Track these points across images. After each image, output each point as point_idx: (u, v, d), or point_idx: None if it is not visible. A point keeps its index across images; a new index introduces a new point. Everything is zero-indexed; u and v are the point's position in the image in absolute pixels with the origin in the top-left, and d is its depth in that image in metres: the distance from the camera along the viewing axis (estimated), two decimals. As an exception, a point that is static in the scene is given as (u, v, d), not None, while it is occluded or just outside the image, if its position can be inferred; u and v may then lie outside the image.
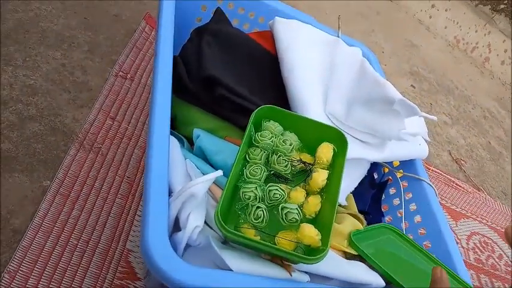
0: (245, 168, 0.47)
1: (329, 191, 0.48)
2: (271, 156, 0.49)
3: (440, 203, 1.02)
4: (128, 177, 0.66)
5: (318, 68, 0.66)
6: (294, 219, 0.44)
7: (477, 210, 1.06)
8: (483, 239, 0.99)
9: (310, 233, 0.42)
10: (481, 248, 0.97)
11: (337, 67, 0.65)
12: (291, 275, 0.45)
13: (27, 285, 0.51)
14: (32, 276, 0.52)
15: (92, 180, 0.63)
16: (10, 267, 0.51)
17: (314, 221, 0.46)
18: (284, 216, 0.44)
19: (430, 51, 1.66)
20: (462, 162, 1.20)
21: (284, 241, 0.43)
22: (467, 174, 1.17)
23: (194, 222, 0.43)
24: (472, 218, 1.03)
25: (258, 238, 0.44)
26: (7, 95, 0.66)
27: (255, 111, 0.50)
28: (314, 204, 0.45)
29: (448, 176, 1.10)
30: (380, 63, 1.40)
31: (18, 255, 0.52)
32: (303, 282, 0.47)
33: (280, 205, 0.45)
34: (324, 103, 0.63)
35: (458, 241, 0.95)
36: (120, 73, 0.79)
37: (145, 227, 0.39)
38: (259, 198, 0.45)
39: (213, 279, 0.38)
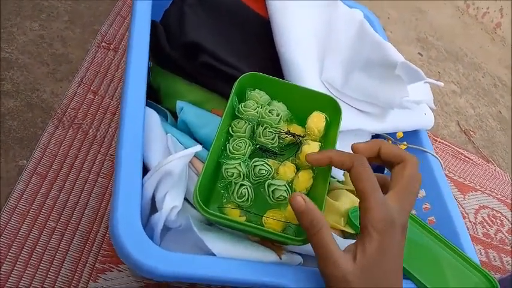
0: (228, 143, 0.43)
1: None
2: (257, 128, 0.44)
3: (447, 176, 0.98)
4: (110, 155, 0.62)
5: (314, 30, 0.60)
6: (281, 197, 0.40)
7: (486, 182, 1.01)
8: (492, 213, 0.95)
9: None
10: (489, 222, 0.92)
11: (335, 30, 0.60)
12: (281, 258, 0.42)
13: (0, 271, 0.48)
14: (6, 262, 0.48)
15: (72, 159, 0.59)
16: (-18, 252, 0.48)
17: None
18: (271, 193, 0.40)
19: (439, 17, 1.57)
20: (471, 133, 1.15)
21: (272, 221, 0.39)
22: (477, 145, 1.12)
23: (171, 203, 0.39)
24: (480, 191, 0.98)
25: (243, 219, 0.40)
26: (-21, 69, 0.62)
27: (237, 80, 0.45)
28: (305, 179, 0.41)
29: (456, 148, 1.05)
30: (386, 30, 1.33)
31: (-10, 240, 0.49)
32: (294, 264, 0.43)
33: (267, 182, 0.41)
34: (321, 69, 0.58)
35: (466, 215, 0.91)
36: (103, 44, 0.74)
37: (114, 209, 0.35)
38: (243, 175, 0.41)
39: (187, 265, 0.34)
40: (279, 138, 0.44)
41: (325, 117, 0.45)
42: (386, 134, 0.66)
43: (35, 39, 0.70)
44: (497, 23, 1.75)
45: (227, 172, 0.41)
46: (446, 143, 1.05)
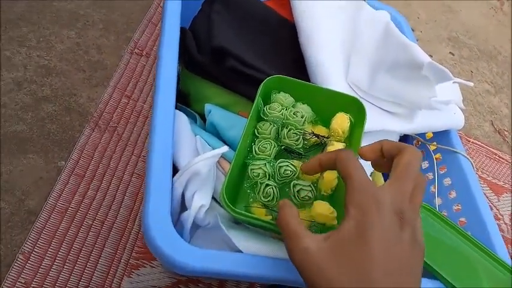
0: (254, 144, 0.44)
1: None
2: (282, 130, 0.45)
3: (480, 177, 0.96)
4: (144, 156, 0.64)
5: (339, 33, 0.60)
6: (306, 197, 0.41)
7: (522, 184, 0.98)
8: (528, 215, 0.91)
9: (323, 211, 0.38)
10: (526, 224, 0.89)
11: (360, 31, 0.60)
12: (306, 257, 0.42)
13: (41, 266, 0.51)
14: (46, 257, 0.51)
15: (107, 160, 0.62)
16: (24, 248, 0.51)
17: (330, 198, 0.43)
18: (296, 193, 0.41)
19: (471, 16, 1.53)
20: (506, 133, 1.11)
21: None
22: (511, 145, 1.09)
23: (199, 201, 0.41)
24: (516, 192, 0.95)
25: (269, 218, 0.41)
26: (21, 77, 0.66)
27: (263, 82, 0.46)
28: (330, 180, 0.41)
29: (490, 148, 1.02)
30: (416, 30, 1.31)
31: (32, 236, 0.52)
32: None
33: (292, 182, 0.41)
34: (346, 72, 0.58)
35: (501, 217, 0.88)
36: (136, 50, 0.77)
37: (146, 207, 0.37)
38: (268, 175, 0.42)
39: (215, 261, 0.36)
40: (303, 139, 0.44)
41: (349, 118, 0.45)
42: (416, 134, 0.65)
43: (72, 46, 0.73)
44: (534, 19, 1.69)
45: (253, 172, 0.42)
46: (479, 143, 1.02)
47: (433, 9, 1.44)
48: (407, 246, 0.29)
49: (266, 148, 0.43)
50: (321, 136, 0.44)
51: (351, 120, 0.45)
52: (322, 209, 0.38)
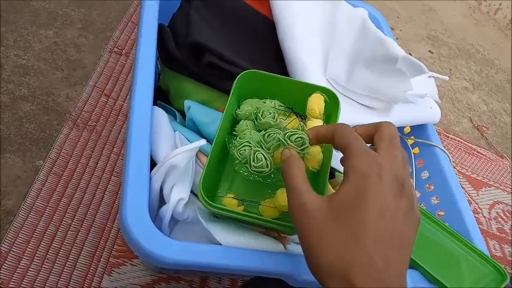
0: (234, 140, 0.44)
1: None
2: (256, 115, 0.44)
3: (459, 172, 0.98)
4: (123, 154, 0.64)
5: (318, 29, 0.61)
6: (299, 139, 0.38)
7: (500, 178, 1.00)
8: (506, 208, 0.93)
9: (285, 201, 0.38)
10: (504, 217, 0.91)
11: (338, 28, 0.61)
12: (286, 248, 0.43)
13: (19, 266, 0.50)
14: (24, 257, 0.51)
15: (86, 159, 0.61)
16: (2, 248, 0.50)
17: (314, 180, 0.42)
18: (287, 139, 0.38)
19: (449, 15, 1.57)
20: (484, 129, 1.14)
21: (268, 209, 0.40)
22: (490, 141, 1.11)
23: (178, 195, 0.41)
24: (494, 186, 0.97)
25: (241, 208, 0.41)
26: (-2, 76, 0.65)
27: (237, 77, 0.46)
28: (317, 153, 0.40)
29: (469, 144, 1.05)
30: (395, 29, 1.33)
31: (9, 236, 0.51)
32: (299, 254, 0.44)
33: (271, 134, 0.39)
34: (325, 66, 0.59)
35: (480, 211, 0.90)
36: (115, 49, 0.76)
37: (124, 200, 0.37)
38: (258, 146, 0.40)
39: (194, 253, 0.36)
40: (280, 118, 0.44)
41: (325, 98, 0.45)
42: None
43: (50, 46, 0.73)
44: (510, 19, 1.73)
45: (240, 153, 0.40)
46: (458, 139, 1.04)
47: (413, 8, 1.46)
48: (403, 216, 0.29)
49: (246, 135, 0.43)
50: (297, 114, 0.44)
51: (326, 101, 0.45)
52: (284, 198, 0.38)
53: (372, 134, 0.34)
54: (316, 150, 0.40)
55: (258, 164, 0.39)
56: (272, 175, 0.40)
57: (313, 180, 0.42)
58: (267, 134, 0.40)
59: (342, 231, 0.28)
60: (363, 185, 0.28)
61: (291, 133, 0.38)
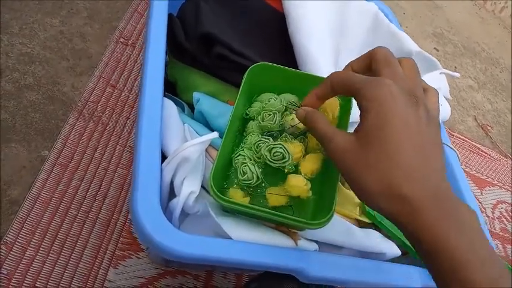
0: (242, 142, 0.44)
1: None
2: (262, 115, 0.44)
3: (464, 170, 0.97)
4: (129, 146, 0.63)
5: (328, 22, 0.60)
6: (278, 153, 0.39)
7: (504, 177, 1.00)
8: (510, 208, 0.93)
9: (297, 183, 0.38)
10: (507, 217, 0.91)
11: (349, 21, 0.60)
12: (297, 244, 0.42)
13: (24, 256, 0.49)
14: (29, 248, 0.50)
15: (92, 150, 0.61)
16: (7, 238, 0.50)
17: (319, 183, 0.42)
18: (269, 154, 0.40)
19: (455, 13, 1.56)
20: (488, 128, 1.13)
21: (274, 196, 0.40)
22: (494, 140, 1.10)
23: (189, 188, 0.40)
24: (498, 186, 0.97)
25: (247, 199, 0.41)
26: (3, 64, 0.64)
27: (248, 69, 0.45)
28: (311, 161, 0.41)
29: (473, 143, 1.04)
30: (401, 26, 1.32)
31: (15, 227, 0.51)
32: (310, 251, 0.44)
33: (260, 144, 0.41)
34: (335, 60, 0.58)
35: (484, 210, 0.90)
36: (121, 39, 0.75)
37: (135, 193, 0.36)
38: (248, 158, 0.41)
39: (204, 246, 0.35)
40: (280, 117, 0.43)
41: (339, 103, 0.44)
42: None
43: (56, 34, 0.72)
44: (515, 17, 1.72)
45: (235, 162, 0.42)
46: (462, 137, 1.04)
47: (418, 5, 1.45)
48: (425, 121, 0.30)
49: (248, 139, 0.43)
50: (297, 106, 0.43)
51: (341, 106, 0.44)
52: (296, 181, 0.38)
53: (368, 65, 0.35)
54: (313, 159, 0.41)
55: (243, 177, 0.40)
56: (262, 184, 0.41)
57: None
58: (256, 144, 0.42)
59: (375, 152, 0.29)
60: (380, 109, 0.30)
61: (273, 146, 0.40)
